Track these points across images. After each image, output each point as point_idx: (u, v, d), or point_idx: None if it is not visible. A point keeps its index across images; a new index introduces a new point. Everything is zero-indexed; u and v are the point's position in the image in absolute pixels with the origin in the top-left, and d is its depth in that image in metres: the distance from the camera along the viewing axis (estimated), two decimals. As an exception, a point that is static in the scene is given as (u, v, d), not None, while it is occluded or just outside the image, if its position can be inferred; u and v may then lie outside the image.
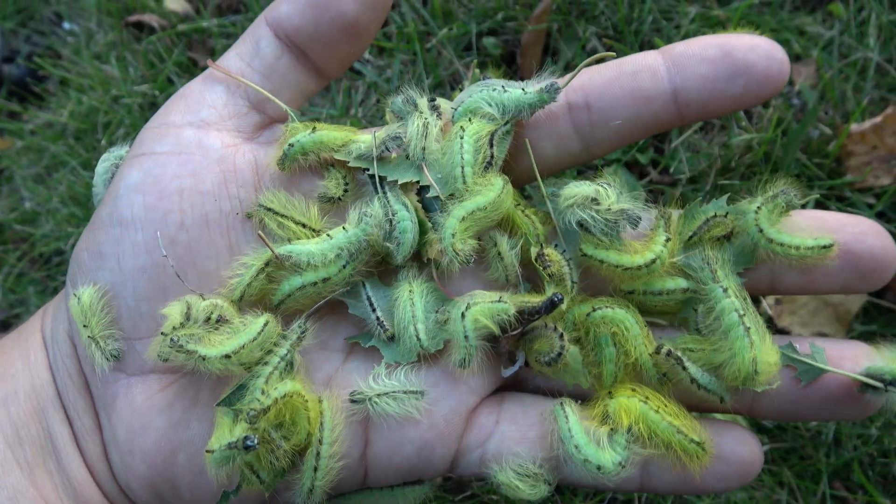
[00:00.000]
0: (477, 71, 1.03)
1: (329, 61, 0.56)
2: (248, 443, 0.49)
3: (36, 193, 1.23)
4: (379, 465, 0.55)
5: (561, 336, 0.53)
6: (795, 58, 1.04)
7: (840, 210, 0.96)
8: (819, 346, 0.53)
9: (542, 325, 0.54)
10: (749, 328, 0.51)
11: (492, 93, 0.54)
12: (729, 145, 0.97)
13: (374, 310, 0.56)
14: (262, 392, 0.51)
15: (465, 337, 0.52)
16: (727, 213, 0.55)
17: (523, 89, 0.53)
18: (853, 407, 0.52)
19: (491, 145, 0.54)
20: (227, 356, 0.50)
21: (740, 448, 0.54)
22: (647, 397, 0.54)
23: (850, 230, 0.52)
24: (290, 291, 0.54)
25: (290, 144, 0.54)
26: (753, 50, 0.49)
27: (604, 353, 0.55)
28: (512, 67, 1.11)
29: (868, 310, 0.95)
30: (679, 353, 0.53)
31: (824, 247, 0.51)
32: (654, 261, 0.53)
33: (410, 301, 0.54)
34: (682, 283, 0.55)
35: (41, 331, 0.58)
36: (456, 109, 0.56)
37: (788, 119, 0.97)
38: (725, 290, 0.52)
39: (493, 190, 0.53)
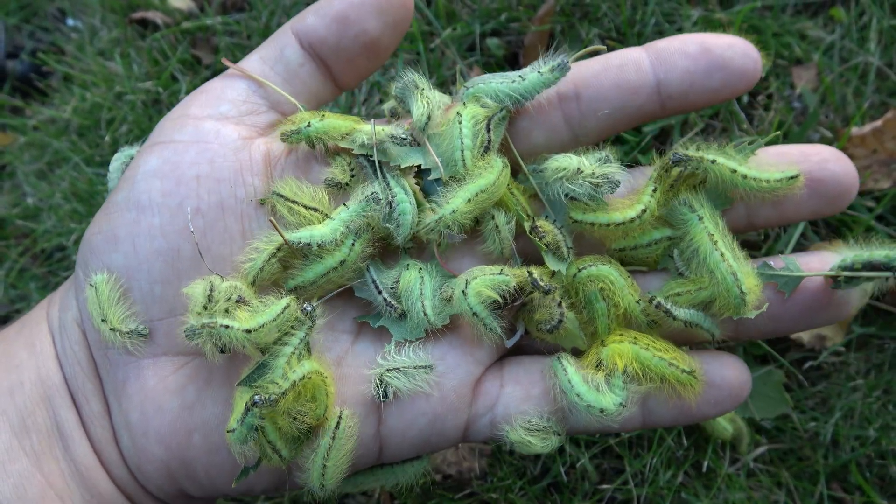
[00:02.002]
0: (461, 78, 1.10)
1: (347, 73, 0.61)
2: (257, 398, 0.51)
3: (38, 189, 1.27)
4: (393, 441, 0.59)
5: (560, 304, 0.58)
6: (797, 61, 1.09)
7: (842, 215, 1.01)
8: (790, 258, 0.58)
9: (542, 295, 0.58)
10: (724, 254, 0.56)
11: (511, 84, 0.58)
12: (730, 147, 1.04)
13: (379, 292, 0.59)
14: (283, 375, 0.53)
15: (474, 314, 0.56)
16: (698, 163, 0.59)
17: (539, 71, 0.57)
18: (831, 309, 0.57)
19: (488, 130, 0.58)
20: (249, 331, 0.53)
21: (728, 372, 0.58)
22: (635, 338, 0.59)
23: (813, 159, 0.57)
24: (314, 279, 0.58)
25: (307, 124, 0.58)
26: (731, 48, 0.55)
27: (595, 308, 0.60)
28: (515, 68, 1.17)
29: (867, 312, 0.98)
30: (667, 305, 0.57)
31: (792, 177, 0.56)
32: (643, 211, 0.58)
33: (420, 279, 0.58)
34: (667, 231, 0.60)
35: (47, 320, 0.60)
36: (468, 89, 0.60)
37: (789, 122, 1.02)
38: (701, 219, 0.57)
39: (494, 171, 0.58)
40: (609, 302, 0.60)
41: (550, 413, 0.59)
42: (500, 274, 0.57)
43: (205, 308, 0.54)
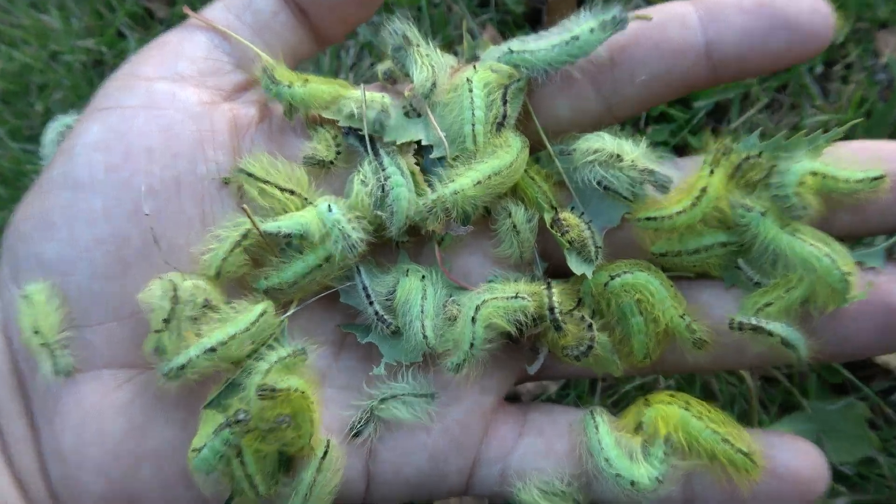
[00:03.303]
0: (468, 37, 1.10)
1: (331, 23, 0.62)
2: (241, 416, 0.52)
3: (-48, 168, 1.29)
4: (384, 478, 0.59)
5: (590, 327, 0.58)
6: (881, 25, 1.08)
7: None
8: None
9: (568, 315, 0.58)
10: (808, 239, 0.56)
11: (565, 47, 0.57)
12: (800, 127, 1.00)
13: (371, 302, 0.60)
14: (261, 388, 0.54)
15: (471, 344, 0.56)
16: (760, 151, 0.59)
17: (591, 28, 0.57)
18: None
19: (504, 101, 0.59)
20: (213, 349, 0.54)
21: (798, 461, 0.57)
22: (687, 403, 0.59)
23: None
24: (293, 279, 0.58)
25: (287, 85, 0.58)
26: (797, 2, 0.54)
27: (630, 324, 0.60)
28: (536, 29, 1.17)
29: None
30: (756, 321, 0.57)
31: (875, 178, 0.55)
32: (702, 192, 0.57)
33: (422, 292, 0.59)
34: (720, 236, 0.59)
35: None
36: (511, 53, 0.59)
37: (873, 98, 1.01)
38: (764, 214, 0.57)
39: (511, 152, 0.58)
40: (647, 317, 0.60)
41: (573, 477, 0.58)
42: (516, 298, 0.57)
43: (167, 321, 0.54)
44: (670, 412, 0.58)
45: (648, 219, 0.59)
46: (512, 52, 0.60)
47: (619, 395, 0.93)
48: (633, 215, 0.60)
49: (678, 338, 0.60)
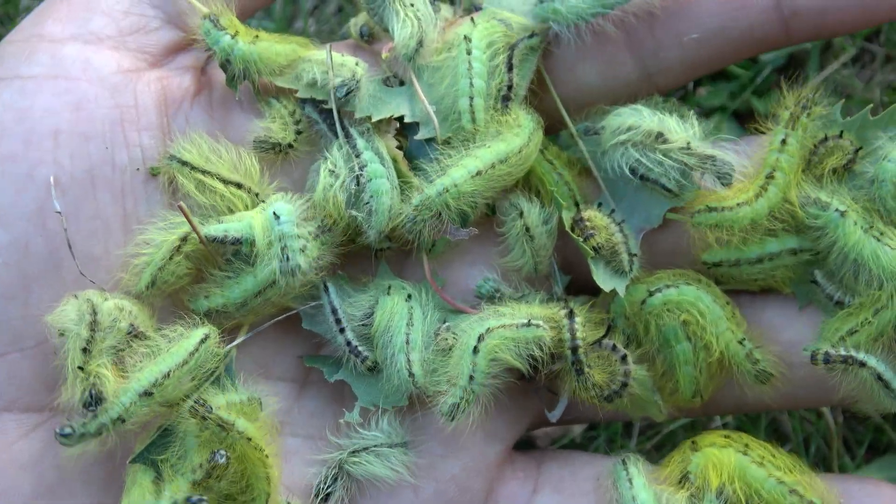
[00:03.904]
0: None
1: None
2: (193, 500, 0.51)
3: None
4: None
5: (624, 359, 0.57)
6: None
7: None
8: None
9: (596, 345, 0.57)
10: None
11: None
12: (897, 86, 0.98)
13: (342, 329, 0.58)
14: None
15: (470, 377, 0.55)
16: (842, 130, 0.58)
17: None
18: None
19: (510, 67, 0.57)
20: (148, 393, 0.53)
21: None
22: (746, 445, 0.57)
23: None
24: (242, 298, 0.57)
25: (232, 34, 0.58)
26: None
27: (675, 353, 0.59)
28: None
29: None
30: (847, 352, 0.56)
31: None
32: (771, 174, 0.56)
33: (408, 315, 0.58)
34: (790, 241, 0.59)
35: None
36: (542, 2, 0.59)
37: None
38: (843, 213, 0.56)
39: (521, 133, 0.57)
40: (697, 343, 0.58)
41: None
42: (529, 326, 0.55)
43: (86, 350, 0.53)
44: (724, 458, 0.57)
45: (710, 209, 0.57)
46: (542, 1, 0.58)
47: (660, 436, 0.91)
48: (683, 211, 0.59)
49: (736, 370, 0.59)
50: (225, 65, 0.60)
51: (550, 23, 0.59)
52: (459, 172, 0.56)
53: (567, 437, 0.92)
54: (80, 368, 0.53)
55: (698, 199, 0.59)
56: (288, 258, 0.56)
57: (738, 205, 0.57)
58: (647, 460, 0.62)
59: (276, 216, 0.56)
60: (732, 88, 1.04)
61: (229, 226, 0.56)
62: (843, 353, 0.56)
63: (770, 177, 0.57)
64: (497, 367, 0.56)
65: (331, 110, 0.59)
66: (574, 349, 0.56)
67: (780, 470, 0.57)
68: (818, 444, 0.91)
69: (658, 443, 0.91)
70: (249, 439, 0.54)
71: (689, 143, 0.57)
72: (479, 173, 0.56)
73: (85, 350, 0.53)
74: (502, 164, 0.56)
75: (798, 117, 0.57)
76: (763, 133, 0.61)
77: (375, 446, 0.58)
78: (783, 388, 0.60)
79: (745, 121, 1.04)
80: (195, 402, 0.54)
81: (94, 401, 0.53)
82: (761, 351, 0.59)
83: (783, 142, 0.57)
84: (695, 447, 0.59)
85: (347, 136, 0.59)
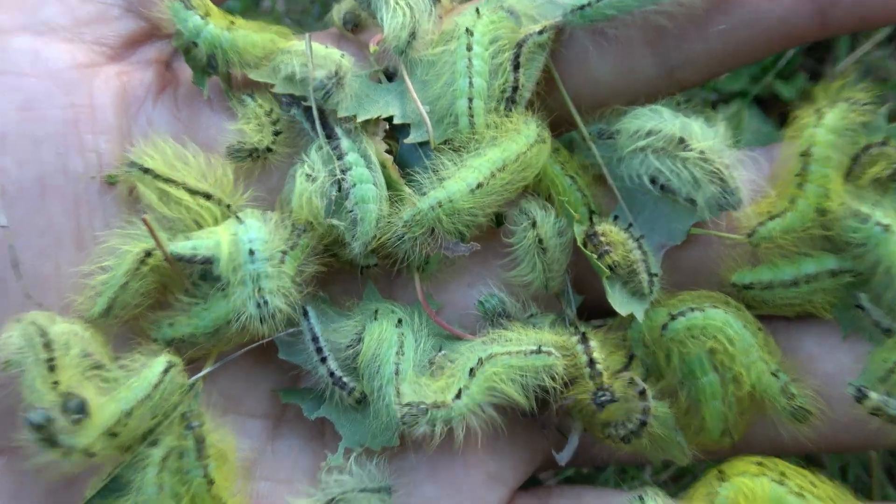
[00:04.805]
0: None
1: None
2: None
3: None
4: None
5: (642, 393, 0.55)
6: None
7: None
8: None
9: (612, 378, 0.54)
10: None
11: None
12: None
13: (323, 359, 0.57)
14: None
15: (458, 393, 0.53)
16: (887, 138, 0.57)
17: None
18: None
19: (515, 66, 0.56)
20: (113, 434, 0.51)
21: None
22: (782, 474, 0.55)
23: None
24: (212, 326, 0.56)
25: (202, 15, 0.56)
26: None
27: (700, 386, 0.57)
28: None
29: None
30: (885, 398, 0.54)
31: None
32: (807, 154, 0.55)
33: (399, 343, 0.56)
34: (829, 261, 0.58)
35: None
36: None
37: None
38: (886, 228, 0.55)
39: (521, 140, 0.55)
40: (725, 375, 0.57)
41: None
42: (539, 353, 0.54)
43: (52, 367, 0.52)
44: (757, 488, 0.55)
45: (772, 217, 0.57)
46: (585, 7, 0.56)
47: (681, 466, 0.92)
48: (708, 225, 0.58)
49: (770, 406, 0.58)
50: (190, 49, 0.58)
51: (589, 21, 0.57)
52: (456, 186, 0.55)
53: (572, 468, 0.90)
54: (56, 383, 0.52)
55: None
56: (266, 301, 0.54)
57: (790, 202, 0.57)
58: (667, 494, 0.59)
59: (252, 253, 0.54)
60: (753, 72, 1.03)
61: (198, 242, 0.55)
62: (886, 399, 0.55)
63: (806, 154, 0.57)
64: (495, 399, 0.55)
65: (310, 107, 0.58)
66: (597, 384, 0.55)
67: (820, 500, 0.55)
68: (857, 472, 0.90)
69: (676, 473, 0.90)
70: (212, 483, 0.54)
71: (703, 153, 0.56)
72: (479, 186, 0.55)
73: (50, 368, 0.52)
74: (502, 171, 0.55)
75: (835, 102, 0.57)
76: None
77: (352, 491, 0.56)
78: (823, 429, 0.58)
79: (768, 108, 1.03)
80: (188, 410, 0.54)
81: (77, 407, 0.52)
82: (798, 385, 0.58)
83: (818, 113, 0.57)
84: (722, 477, 0.57)
85: (330, 135, 0.58)
